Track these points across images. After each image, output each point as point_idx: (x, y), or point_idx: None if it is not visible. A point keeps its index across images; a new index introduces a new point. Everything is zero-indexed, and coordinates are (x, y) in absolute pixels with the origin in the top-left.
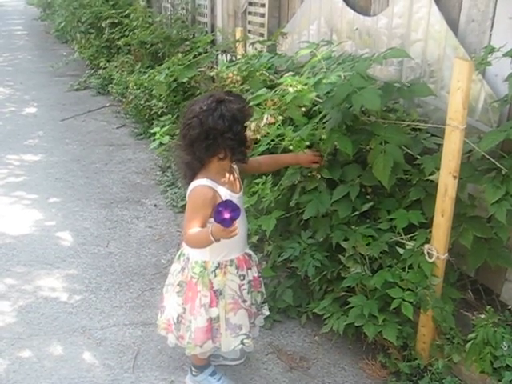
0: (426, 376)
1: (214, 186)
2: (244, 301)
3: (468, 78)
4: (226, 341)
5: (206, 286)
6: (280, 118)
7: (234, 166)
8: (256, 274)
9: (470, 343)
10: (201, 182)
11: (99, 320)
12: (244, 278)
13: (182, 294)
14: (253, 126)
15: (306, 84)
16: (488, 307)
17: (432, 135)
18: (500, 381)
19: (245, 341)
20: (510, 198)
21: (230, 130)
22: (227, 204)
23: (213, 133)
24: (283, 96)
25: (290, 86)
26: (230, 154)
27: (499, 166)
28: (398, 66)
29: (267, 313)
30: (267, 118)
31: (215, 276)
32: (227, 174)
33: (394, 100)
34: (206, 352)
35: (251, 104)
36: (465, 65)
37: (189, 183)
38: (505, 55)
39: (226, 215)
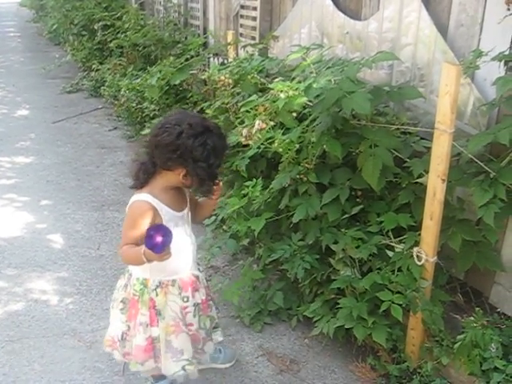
0: (415, 378)
1: (154, 202)
2: (189, 324)
3: (456, 82)
4: (166, 364)
5: (146, 304)
6: (271, 123)
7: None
8: (204, 297)
9: (458, 345)
10: (141, 197)
11: (90, 323)
12: (188, 300)
13: (125, 311)
14: (244, 132)
15: (296, 89)
16: (477, 309)
17: (421, 138)
18: (488, 383)
19: (187, 367)
20: (498, 201)
21: (205, 161)
22: (159, 228)
23: (184, 153)
24: (274, 101)
25: (281, 91)
26: (198, 185)
27: (487, 169)
28: (389, 69)
29: (220, 338)
30: (259, 124)
31: (156, 295)
32: (172, 191)
33: (384, 103)
34: (149, 370)
35: (242, 109)
36: (453, 69)
37: (135, 188)
38: (493, 59)
39: (158, 239)
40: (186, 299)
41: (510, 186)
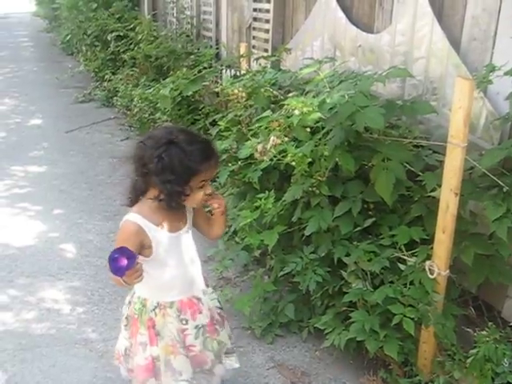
0: None
1: (142, 223)
2: (190, 345)
3: (469, 97)
4: (166, 382)
5: (144, 324)
6: (286, 139)
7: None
8: (208, 320)
9: (471, 359)
10: (130, 217)
11: (101, 332)
12: (187, 323)
13: (128, 327)
14: (259, 147)
15: (310, 104)
16: (489, 323)
17: (434, 152)
18: None
19: None
20: (511, 215)
21: (157, 175)
22: (123, 251)
23: (145, 166)
24: (288, 117)
25: (295, 108)
26: (166, 201)
27: (500, 183)
28: (401, 83)
29: (236, 365)
30: (273, 140)
31: (156, 315)
32: (165, 210)
33: (397, 117)
34: None
35: (256, 125)
36: (466, 83)
37: (130, 206)
38: (506, 74)
39: (122, 263)
40: (184, 322)
41: None
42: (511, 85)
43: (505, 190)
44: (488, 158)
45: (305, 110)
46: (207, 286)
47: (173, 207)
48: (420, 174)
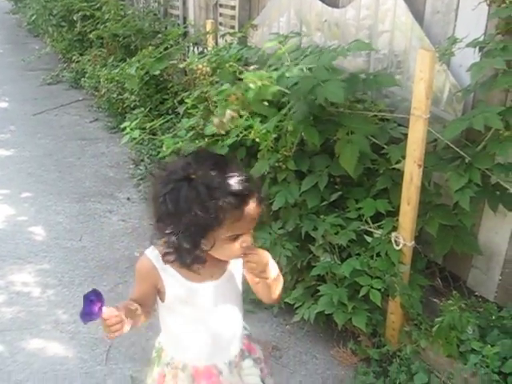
0: (394, 362)
1: (159, 262)
2: None
3: (431, 68)
4: None
5: (154, 377)
6: (243, 112)
7: None
8: None
9: (436, 328)
10: (148, 252)
11: (72, 314)
12: None
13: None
14: (216, 121)
15: (270, 77)
16: (454, 292)
17: (399, 125)
18: (465, 364)
19: None
20: (474, 185)
21: (162, 221)
22: (98, 294)
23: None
24: (246, 91)
25: (252, 81)
26: (174, 254)
27: (462, 154)
28: (366, 57)
29: None
30: (230, 114)
31: (167, 372)
32: None
33: (362, 91)
34: None
35: (215, 99)
36: (427, 55)
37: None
38: (468, 46)
39: (94, 308)
40: None
41: (486, 170)
42: (473, 57)
43: (467, 160)
44: (450, 130)
45: (260, 83)
46: (248, 353)
47: (188, 264)
48: (384, 146)
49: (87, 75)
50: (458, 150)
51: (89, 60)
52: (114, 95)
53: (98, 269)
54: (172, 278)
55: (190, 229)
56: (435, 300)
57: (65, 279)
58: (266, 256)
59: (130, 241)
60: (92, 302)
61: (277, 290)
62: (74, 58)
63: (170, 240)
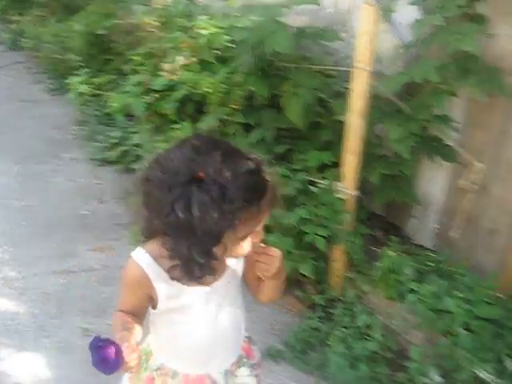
0: (338, 306)
1: (149, 268)
2: None
3: (373, 22)
4: None
5: (143, 381)
6: (194, 59)
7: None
8: None
9: (377, 272)
10: (138, 255)
11: (20, 270)
12: None
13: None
14: (167, 67)
15: (220, 27)
16: (392, 237)
17: (344, 81)
18: (404, 303)
19: None
20: (413, 136)
21: (173, 233)
22: (103, 340)
23: (149, 208)
24: (197, 38)
25: (204, 28)
26: (182, 267)
27: (404, 106)
28: (313, 16)
29: None
30: (181, 60)
31: (156, 377)
32: None
33: (308, 48)
34: None
35: (167, 46)
36: (370, 10)
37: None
38: (411, 4)
39: (109, 354)
40: None
41: (426, 122)
42: (412, 15)
43: (407, 112)
44: (392, 83)
45: (212, 30)
46: (247, 358)
47: (199, 278)
48: (329, 101)
49: (27, 35)
50: (398, 101)
51: (29, 20)
52: (57, 55)
53: (45, 227)
54: (165, 283)
55: (204, 238)
56: (376, 249)
57: (10, 238)
58: (279, 256)
59: (76, 200)
60: (101, 348)
61: (279, 289)
62: (13, 18)
63: (179, 254)
